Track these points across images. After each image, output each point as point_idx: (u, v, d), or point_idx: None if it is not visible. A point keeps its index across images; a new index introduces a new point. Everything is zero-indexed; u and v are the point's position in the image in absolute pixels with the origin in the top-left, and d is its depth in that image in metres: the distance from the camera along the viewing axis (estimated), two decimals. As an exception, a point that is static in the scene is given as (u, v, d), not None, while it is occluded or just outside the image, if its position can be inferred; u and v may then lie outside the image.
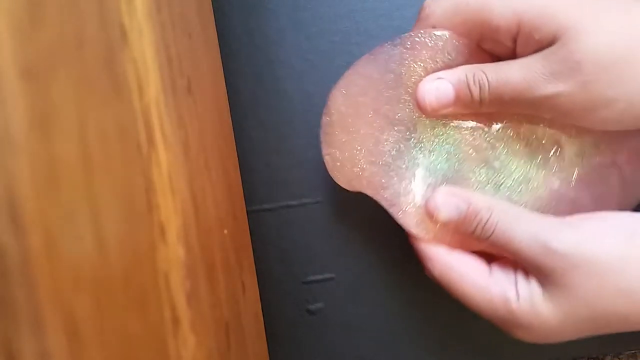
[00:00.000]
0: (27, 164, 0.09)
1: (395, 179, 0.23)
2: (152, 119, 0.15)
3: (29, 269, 0.09)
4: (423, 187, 0.23)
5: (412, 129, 0.23)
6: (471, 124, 0.23)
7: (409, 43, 0.23)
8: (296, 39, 0.28)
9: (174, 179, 0.15)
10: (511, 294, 0.20)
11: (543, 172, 0.23)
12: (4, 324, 0.09)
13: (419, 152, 0.23)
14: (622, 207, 0.23)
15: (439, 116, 0.23)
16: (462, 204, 0.21)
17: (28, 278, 0.09)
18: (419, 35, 0.22)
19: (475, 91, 0.20)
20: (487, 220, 0.20)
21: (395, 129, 0.23)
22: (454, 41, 0.22)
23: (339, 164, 0.24)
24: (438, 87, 0.21)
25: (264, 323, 0.27)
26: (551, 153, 0.23)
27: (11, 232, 0.09)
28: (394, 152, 0.23)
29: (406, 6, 0.28)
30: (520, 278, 0.20)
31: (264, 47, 0.28)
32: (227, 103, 0.27)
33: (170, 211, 0.15)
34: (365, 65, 0.24)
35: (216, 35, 0.27)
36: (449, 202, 0.21)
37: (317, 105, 0.28)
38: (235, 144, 0.27)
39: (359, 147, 0.24)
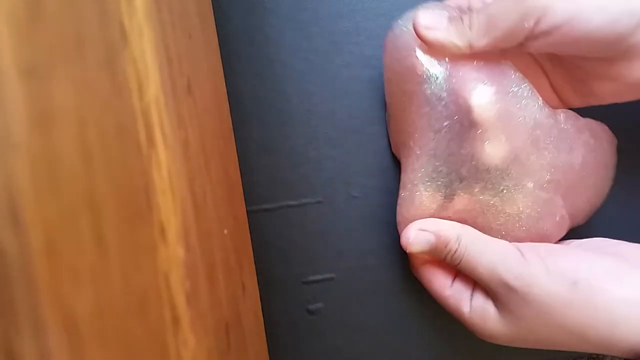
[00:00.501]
0: (27, 163, 0.09)
1: (409, 164, 0.24)
2: (152, 119, 0.15)
3: (29, 269, 0.09)
4: (423, 181, 0.23)
5: (429, 104, 0.23)
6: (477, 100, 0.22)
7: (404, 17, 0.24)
8: (296, 39, 0.28)
9: (174, 179, 0.15)
10: (465, 309, 0.23)
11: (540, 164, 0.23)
12: (4, 324, 0.09)
13: (431, 132, 0.23)
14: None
15: (437, 53, 0.23)
16: (432, 238, 0.23)
17: (28, 278, 0.09)
18: (417, 9, 0.23)
19: (466, 18, 0.22)
20: (456, 251, 0.23)
21: (414, 106, 0.23)
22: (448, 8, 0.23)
23: (393, 150, 0.27)
24: (432, 13, 0.23)
25: (264, 323, 0.27)
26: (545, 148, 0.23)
27: (11, 232, 0.09)
28: (416, 135, 0.24)
29: (406, 6, 0.28)
30: (478, 294, 0.23)
31: (264, 47, 0.28)
32: (227, 103, 0.27)
33: (170, 211, 0.15)
34: (385, 54, 0.25)
35: (216, 35, 0.27)
36: (420, 237, 0.24)
37: (317, 105, 0.28)
38: (235, 144, 0.27)
39: (399, 131, 0.25)
